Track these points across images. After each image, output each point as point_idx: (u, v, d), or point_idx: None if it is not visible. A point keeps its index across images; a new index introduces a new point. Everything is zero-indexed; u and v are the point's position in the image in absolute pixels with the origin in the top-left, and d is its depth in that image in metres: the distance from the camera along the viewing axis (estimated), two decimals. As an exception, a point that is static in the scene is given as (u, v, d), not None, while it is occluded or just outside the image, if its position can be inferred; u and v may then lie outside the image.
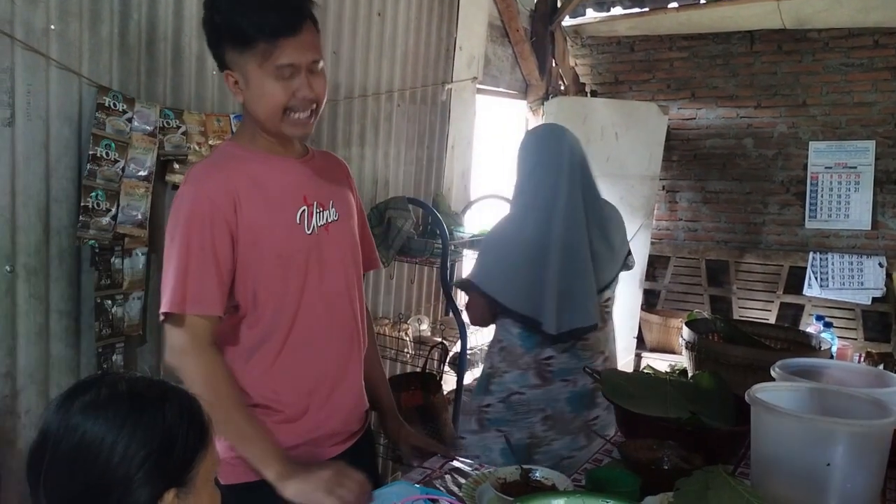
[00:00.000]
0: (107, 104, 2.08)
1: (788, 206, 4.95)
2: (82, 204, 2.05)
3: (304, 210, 1.53)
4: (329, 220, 1.57)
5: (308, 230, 1.53)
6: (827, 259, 4.74)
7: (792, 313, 4.92)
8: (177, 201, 1.46)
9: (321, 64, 1.50)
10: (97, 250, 2.11)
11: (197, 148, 2.31)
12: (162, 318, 1.45)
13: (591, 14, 5.11)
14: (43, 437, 0.89)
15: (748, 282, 5.08)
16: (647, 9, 4.87)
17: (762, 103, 4.97)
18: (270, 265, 1.48)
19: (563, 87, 5.12)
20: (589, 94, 5.34)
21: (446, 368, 3.04)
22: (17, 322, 2.00)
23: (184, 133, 2.29)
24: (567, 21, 5.01)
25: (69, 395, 0.91)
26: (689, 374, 2.15)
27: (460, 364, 2.95)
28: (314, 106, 1.49)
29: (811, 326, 4.37)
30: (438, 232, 2.96)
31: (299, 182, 1.55)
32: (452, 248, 3.10)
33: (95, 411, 0.89)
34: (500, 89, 4.55)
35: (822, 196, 4.80)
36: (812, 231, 4.86)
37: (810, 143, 4.82)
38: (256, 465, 1.43)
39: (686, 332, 2.19)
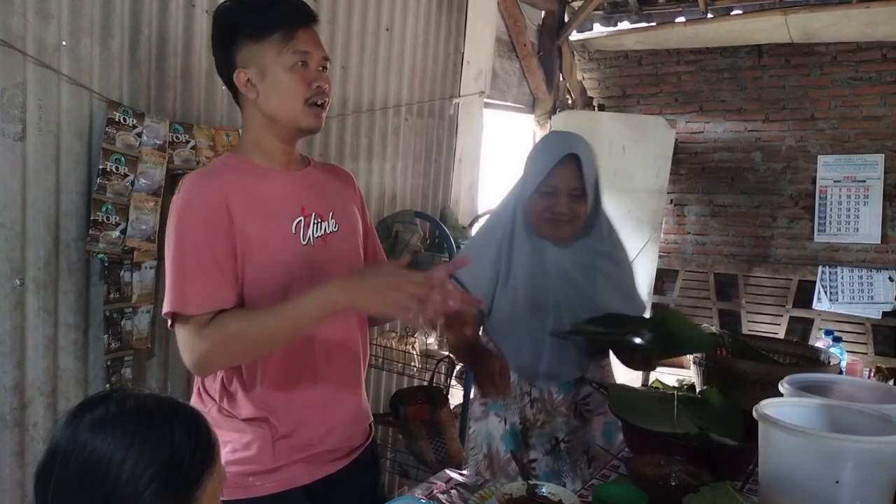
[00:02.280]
0: (117, 119, 2.10)
1: (797, 219, 4.94)
2: (92, 218, 2.06)
3: (300, 221, 1.52)
4: (328, 231, 1.56)
5: (304, 240, 1.52)
6: (836, 273, 4.72)
7: (801, 327, 4.89)
8: (171, 210, 1.46)
9: (328, 65, 1.53)
10: (106, 264, 2.12)
11: (206, 162, 2.33)
12: (169, 323, 1.43)
13: (599, 28, 5.14)
14: (51, 454, 0.89)
15: (757, 296, 5.06)
16: (654, 23, 4.89)
17: (770, 117, 4.98)
18: (263, 275, 1.47)
19: (570, 101, 5.14)
20: (596, 108, 5.35)
21: (453, 382, 3.03)
22: (26, 335, 2.01)
23: (193, 147, 2.30)
24: (574, 35, 5.04)
25: (77, 412, 0.91)
26: (698, 390, 2.14)
27: (467, 378, 2.94)
28: (326, 99, 1.51)
29: (820, 341, 4.34)
30: (445, 246, 2.96)
31: (296, 193, 1.54)
32: (460, 261, 3.10)
33: (104, 429, 0.89)
34: (508, 103, 4.56)
35: (831, 210, 4.79)
36: (821, 245, 4.84)
37: (819, 156, 4.82)
38: (327, 314, 1.38)
39: (694, 346, 2.17)
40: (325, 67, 1.51)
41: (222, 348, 1.40)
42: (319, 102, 1.49)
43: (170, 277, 1.41)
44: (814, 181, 4.84)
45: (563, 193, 1.89)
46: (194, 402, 1.57)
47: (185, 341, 1.41)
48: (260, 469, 1.50)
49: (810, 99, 4.83)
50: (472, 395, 2.19)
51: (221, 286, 1.41)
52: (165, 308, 1.41)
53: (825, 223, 4.81)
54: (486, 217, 1.99)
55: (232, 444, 1.50)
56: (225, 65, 1.50)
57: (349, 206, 1.66)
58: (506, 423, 1.99)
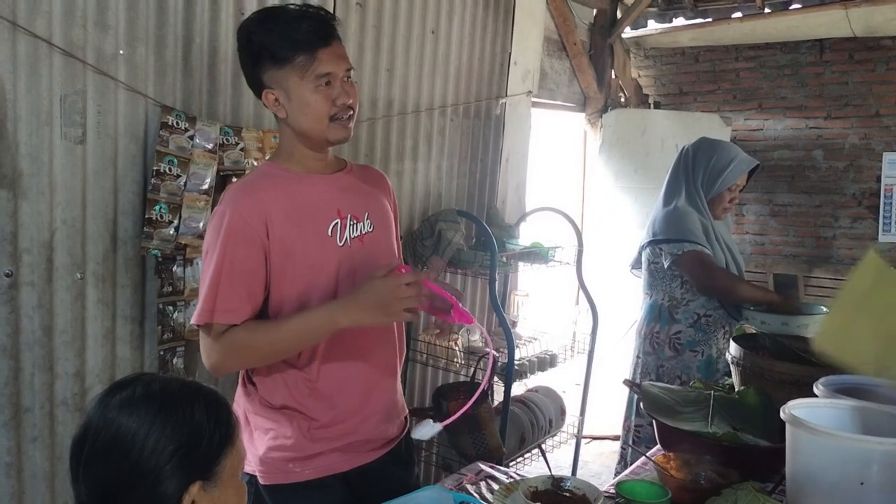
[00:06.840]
0: (170, 123, 2.21)
1: (861, 219, 4.77)
2: (147, 216, 2.18)
3: (336, 223, 1.59)
4: (364, 232, 1.63)
5: (340, 242, 1.59)
6: (902, 275, 4.54)
7: (864, 331, 4.72)
8: (214, 219, 1.55)
9: (352, 73, 1.59)
10: (160, 259, 2.24)
11: (254, 163, 2.42)
12: (196, 326, 1.55)
13: (653, 25, 5.07)
14: (84, 430, 0.98)
15: (818, 297, 4.89)
16: (709, 19, 4.81)
17: (832, 114, 4.82)
18: (302, 276, 1.55)
19: (623, 99, 5.09)
20: (652, 106, 5.28)
21: (495, 379, 3.06)
22: (86, 325, 2.14)
23: (242, 149, 2.40)
24: (627, 33, 4.99)
25: (108, 393, 1.00)
26: (736, 390, 2.12)
27: (508, 374, 2.97)
28: (351, 112, 1.59)
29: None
30: (488, 245, 2.99)
31: (333, 196, 1.62)
32: (504, 260, 3.13)
33: (130, 408, 0.97)
34: (557, 102, 4.56)
35: (896, 209, 4.62)
36: (886, 245, 4.67)
37: (884, 154, 4.65)
38: (329, 332, 1.51)
39: (732, 346, 2.16)
40: (349, 77, 1.58)
41: (233, 357, 1.54)
42: (345, 117, 1.57)
43: (205, 288, 1.52)
44: (878, 180, 4.67)
45: (738, 189, 2.87)
46: (240, 390, 1.66)
47: (204, 346, 1.54)
48: (299, 456, 1.58)
49: (875, 95, 4.66)
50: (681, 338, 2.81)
51: (244, 303, 1.52)
52: (196, 319, 1.53)
53: (891, 223, 4.64)
54: (677, 214, 2.84)
55: (274, 432, 1.58)
56: (254, 83, 1.59)
57: (383, 206, 1.73)
58: (702, 356, 2.73)
